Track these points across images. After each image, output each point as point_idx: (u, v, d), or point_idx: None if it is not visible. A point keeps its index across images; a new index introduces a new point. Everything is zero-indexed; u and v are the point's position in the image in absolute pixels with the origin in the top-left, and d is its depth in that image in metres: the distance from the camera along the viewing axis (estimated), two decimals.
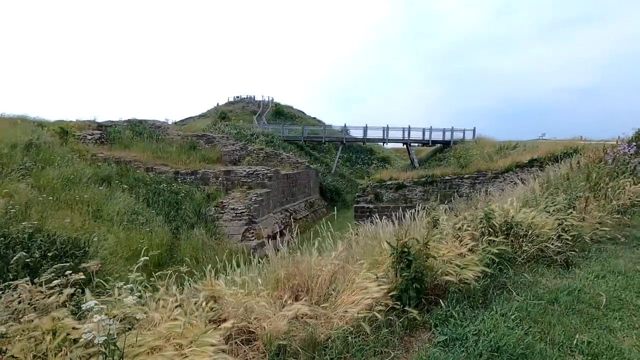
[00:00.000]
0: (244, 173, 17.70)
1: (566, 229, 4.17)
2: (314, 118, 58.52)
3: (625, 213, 5.34)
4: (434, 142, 30.28)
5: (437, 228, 3.98)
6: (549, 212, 4.48)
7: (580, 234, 4.25)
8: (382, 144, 35.39)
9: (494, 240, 3.70)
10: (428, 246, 3.11)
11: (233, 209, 15.60)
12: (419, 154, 36.02)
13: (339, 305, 2.73)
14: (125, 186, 15.85)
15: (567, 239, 4.03)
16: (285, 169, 20.35)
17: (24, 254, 7.34)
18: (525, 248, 3.88)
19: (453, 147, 27.87)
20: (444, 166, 21.57)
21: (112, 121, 23.85)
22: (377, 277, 2.99)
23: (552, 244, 3.90)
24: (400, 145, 35.28)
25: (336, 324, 2.56)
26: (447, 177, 16.84)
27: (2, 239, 8.12)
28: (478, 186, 16.59)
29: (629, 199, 5.59)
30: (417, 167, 28.75)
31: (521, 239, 3.95)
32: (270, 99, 60.86)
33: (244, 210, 15.50)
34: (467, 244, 3.63)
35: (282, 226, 17.31)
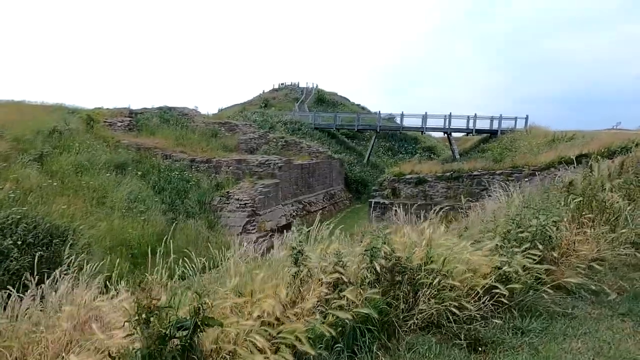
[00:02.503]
0: (256, 162, 17.11)
1: (510, 275, 2.73)
2: (358, 105, 56.59)
3: None
4: (479, 132, 27.23)
5: (299, 265, 2.77)
6: (498, 246, 3.02)
7: (533, 285, 2.77)
8: (422, 133, 32.80)
9: (363, 292, 2.43)
10: (204, 305, 1.98)
11: (238, 199, 15.11)
12: (465, 144, 33.00)
13: None
14: (139, 173, 16.12)
15: (503, 295, 2.60)
16: (302, 158, 19.43)
17: None
18: (423, 307, 2.54)
19: (500, 137, 24.80)
20: (485, 158, 19.11)
21: (147, 109, 24.65)
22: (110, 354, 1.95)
23: (468, 303, 2.52)
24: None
25: None
26: (475, 173, 14.66)
27: None
28: (512, 184, 14.30)
29: None
30: (458, 158, 26.19)
31: (422, 291, 2.61)
32: (315, 85, 59.91)
33: (248, 201, 14.94)
34: (314, 299, 2.42)
35: (291, 219, 16.52)
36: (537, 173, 13.54)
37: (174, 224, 13.31)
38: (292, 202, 17.22)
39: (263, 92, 60.30)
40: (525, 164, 13.72)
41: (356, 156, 29.91)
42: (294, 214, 16.94)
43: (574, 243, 3.45)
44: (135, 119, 22.02)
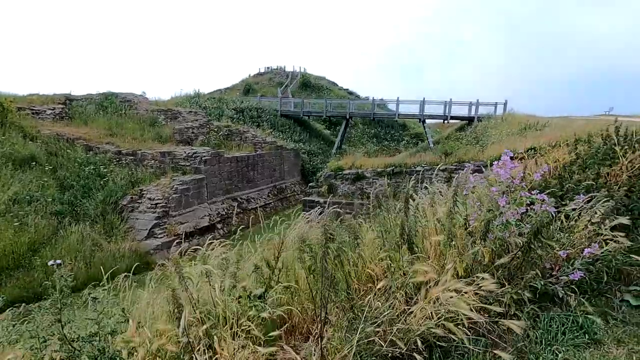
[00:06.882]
0: (184, 155, 15.26)
1: None
2: (346, 90, 54.10)
3: None
4: (454, 118, 25.01)
5: None
6: None
7: None
8: (395, 120, 30.63)
9: None
10: None
11: (150, 198, 13.34)
12: (445, 131, 30.90)
13: None
14: (50, 167, 14.40)
15: None
16: (245, 149, 17.53)
17: None
18: None
19: (475, 124, 22.62)
20: (434, 151, 17.06)
21: (91, 94, 22.78)
22: None
23: None
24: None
25: None
26: (417, 168, 12.64)
27: None
28: (455, 181, 12.24)
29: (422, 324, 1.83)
30: (432, 146, 24.15)
31: None
32: (302, 69, 57.35)
33: (160, 201, 13.16)
34: None
35: (218, 218, 14.75)
36: (483, 168, 11.55)
37: (58, 231, 11.71)
38: (223, 200, 15.40)
39: (249, 76, 57.99)
40: (471, 158, 11.66)
41: (325, 145, 27.87)
42: (224, 213, 15.14)
43: None
44: (69, 107, 20.21)
